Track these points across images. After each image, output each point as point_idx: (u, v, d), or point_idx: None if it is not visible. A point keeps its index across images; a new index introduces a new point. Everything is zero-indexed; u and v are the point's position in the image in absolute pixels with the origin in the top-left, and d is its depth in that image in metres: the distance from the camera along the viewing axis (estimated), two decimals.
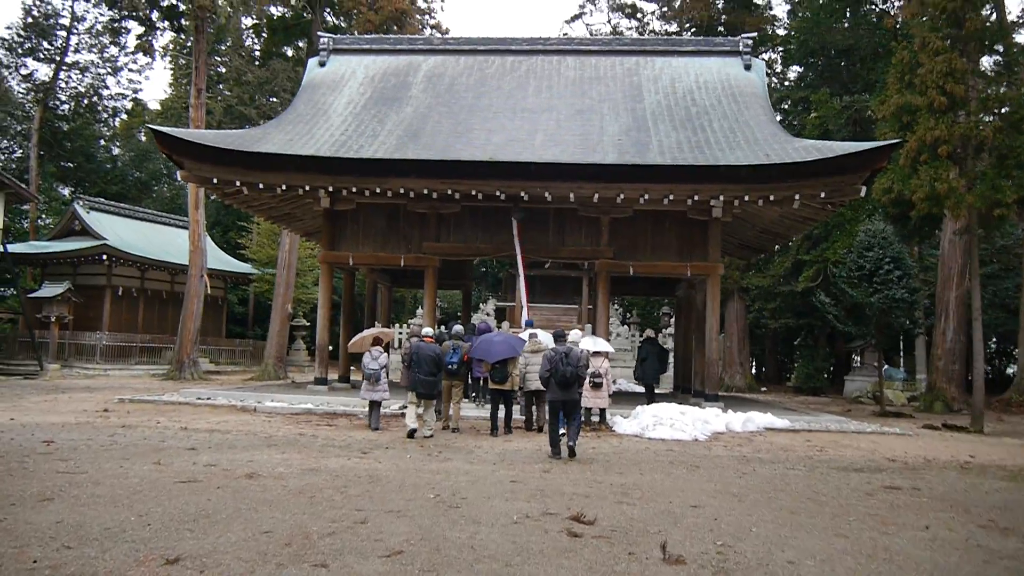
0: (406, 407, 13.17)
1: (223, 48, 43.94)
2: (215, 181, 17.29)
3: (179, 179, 18.28)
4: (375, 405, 13.65)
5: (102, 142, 49.70)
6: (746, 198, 16.42)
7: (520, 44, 22.32)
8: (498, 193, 16.84)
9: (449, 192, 16.98)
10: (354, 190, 17.20)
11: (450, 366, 13.42)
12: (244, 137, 17.98)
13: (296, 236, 28.91)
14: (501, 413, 13.60)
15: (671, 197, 16.56)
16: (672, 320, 35.98)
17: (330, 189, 17.33)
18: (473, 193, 16.94)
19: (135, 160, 48.05)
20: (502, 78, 21.18)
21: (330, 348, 29.45)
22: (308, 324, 36.17)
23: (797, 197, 16.20)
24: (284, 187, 17.19)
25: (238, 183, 17.18)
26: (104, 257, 31.18)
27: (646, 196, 16.59)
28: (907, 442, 14.38)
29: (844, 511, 7.47)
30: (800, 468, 10.54)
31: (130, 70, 50.10)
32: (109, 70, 46.65)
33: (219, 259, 37.02)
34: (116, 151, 50.21)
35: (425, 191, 16.98)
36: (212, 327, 36.85)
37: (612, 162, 16.31)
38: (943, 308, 24.45)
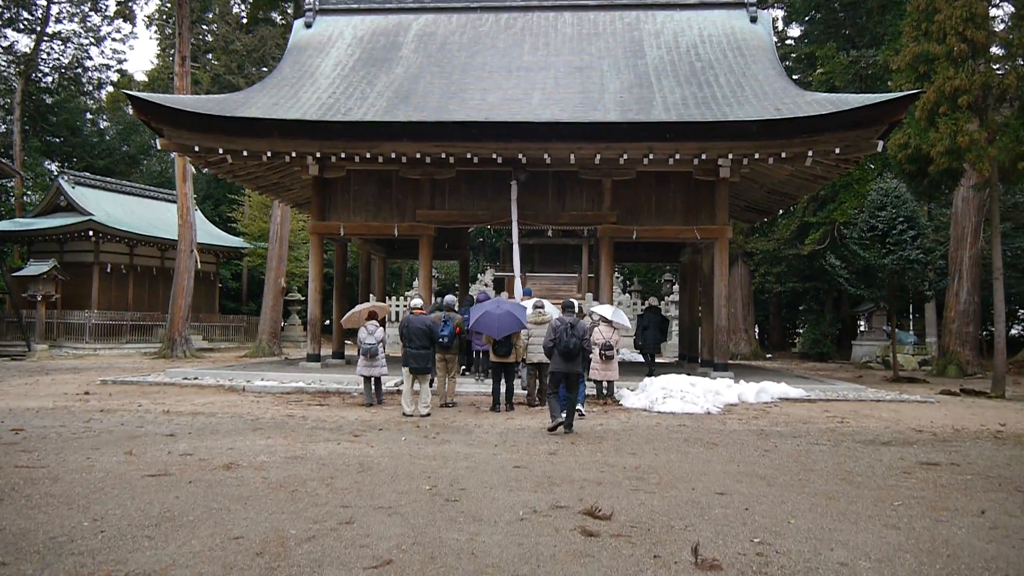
0: (403, 383, 12.59)
1: (210, 16, 42.69)
2: (196, 149, 16.39)
3: (159, 148, 17.34)
4: (372, 380, 13.15)
5: (88, 115, 48.52)
6: (756, 156, 15.56)
7: (515, 0, 21.29)
8: (494, 156, 15.96)
9: (443, 156, 16.11)
10: (343, 156, 16.32)
11: (441, 339, 12.76)
12: (226, 102, 17.06)
13: (288, 208, 28.05)
14: (503, 388, 12.86)
15: (677, 156, 15.70)
16: (675, 287, 35.28)
17: (317, 155, 16.44)
18: (468, 156, 16.06)
19: (122, 133, 46.83)
20: (496, 36, 20.20)
21: (326, 323, 28.71)
22: (303, 298, 35.22)
23: (810, 154, 15.33)
24: (269, 154, 16.30)
25: (220, 151, 16.28)
26: (91, 233, 30.30)
27: (651, 156, 15.72)
28: (930, 410, 13.66)
29: (886, 494, 6.72)
30: (825, 443, 9.81)
31: (113, 40, 48.80)
32: (92, 40, 45.31)
33: (210, 233, 36.13)
34: (103, 124, 49.03)
35: (418, 155, 16.11)
36: (205, 303, 36.08)
37: (614, 120, 15.41)
38: (956, 268, 23.66)
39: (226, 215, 42.25)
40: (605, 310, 13.50)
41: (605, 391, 13.98)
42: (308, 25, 20.96)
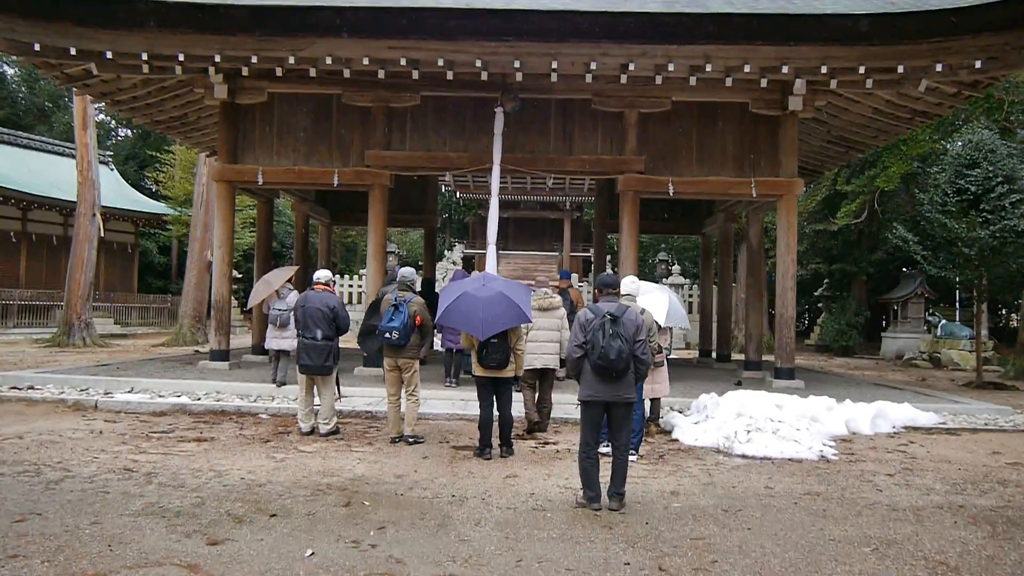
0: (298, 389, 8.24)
1: None
2: (38, 48, 11.06)
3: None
4: (280, 356, 11.11)
5: None
6: (861, 70, 10.71)
7: None
8: (477, 64, 10.90)
9: (402, 63, 10.99)
10: (255, 60, 11.09)
11: (389, 335, 7.83)
12: None
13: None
14: (495, 416, 7.87)
15: (747, 68, 10.79)
16: (673, 268, 30.56)
17: (217, 59, 11.16)
18: (439, 64, 10.98)
19: (27, 79, 40.39)
20: None
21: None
22: (239, 275, 29.82)
23: (939, 68, 10.54)
24: (145, 57, 11.11)
25: (73, 51, 11.02)
26: None
27: (708, 67, 10.81)
28: None
29: None
30: None
31: None
32: None
33: (127, 197, 30.54)
34: (6, 70, 42.19)
35: (365, 61, 10.98)
36: (121, 280, 30.57)
37: (657, 10, 10.41)
38: None
39: (155, 179, 36.41)
40: (655, 300, 8.54)
41: (649, 414, 9.11)
42: None
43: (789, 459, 7.83)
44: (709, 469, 7.32)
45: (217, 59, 11.13)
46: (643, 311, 6.95)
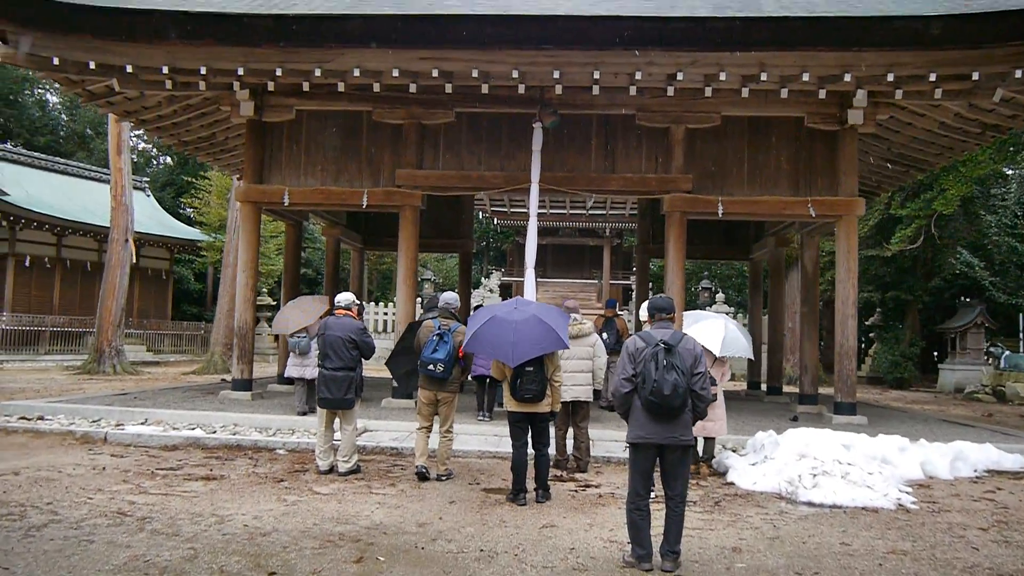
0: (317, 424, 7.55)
1: None
2: (56, 62, 10.62)
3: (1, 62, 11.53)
4: (302, 384, 10.62)
5: (30, 85, 41.33)
6: (931, 78, 9.84)
7: None
8: (514, 75, 10.22)
9: (435, 75, 10.35)
10: (280, 73, 10.51)
11: (433, 367, 7.13)
12: None
13: None
14: (531, 456, 7.08)
15: (805, 77, 9.97)
16: (717, 296, 29.55)
17: (241, 73, 10.60)
18: (474, 76, 10.32)
19: (68, 107, 40.68)
20: None
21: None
22: (272, 302, 29.41)
23: (1018, 74, 9.62)
24: (168, 71, 10.60)
25: (92, 64, 10.57)
26: None
27: (763, 75, 9.99)
28: None
29: None
30: None
31: None
32: None
33: (161, 222, 30.36)
34: (50, 98, 42.45)
35: (395, 72, 10.35)
36: (155, 307, 30.30)
37: (707, 15, 9.66)
38: None
39: (190, 206, 36.29)
40: (709, 327, 7.73)
41: (701, 454, 8.27)
42: None
43: (862, 508, 6.92)
44: (773, 519, 6.44)
45: (241, 72, 10.57)
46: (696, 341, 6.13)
